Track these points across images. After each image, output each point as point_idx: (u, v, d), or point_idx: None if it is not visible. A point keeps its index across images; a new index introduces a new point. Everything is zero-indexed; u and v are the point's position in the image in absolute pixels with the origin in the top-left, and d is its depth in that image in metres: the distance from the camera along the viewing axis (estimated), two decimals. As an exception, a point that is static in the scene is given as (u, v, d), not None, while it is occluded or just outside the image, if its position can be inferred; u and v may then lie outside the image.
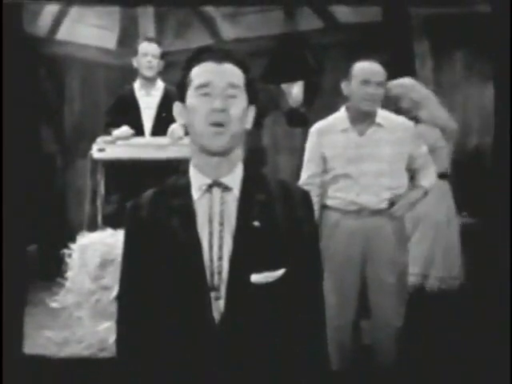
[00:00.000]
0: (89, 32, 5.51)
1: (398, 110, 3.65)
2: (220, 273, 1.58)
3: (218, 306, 1.58)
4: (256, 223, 1.60)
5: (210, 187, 1.63)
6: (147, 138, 4.21)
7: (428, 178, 3.35)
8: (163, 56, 4.27)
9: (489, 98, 3.81)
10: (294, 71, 5.48)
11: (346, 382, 3.19)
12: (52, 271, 4.04)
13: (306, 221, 1.67)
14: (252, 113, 1.67)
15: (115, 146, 4.10)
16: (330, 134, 3.28)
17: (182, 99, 1.64)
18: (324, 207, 3.32)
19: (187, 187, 1.64)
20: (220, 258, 1.59)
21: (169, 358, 1.61)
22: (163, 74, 4.28)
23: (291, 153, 5.35)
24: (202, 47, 1.68)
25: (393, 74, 3.58)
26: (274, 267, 1.59)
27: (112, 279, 3.71)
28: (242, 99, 1.61)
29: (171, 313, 1.60)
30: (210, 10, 5.53)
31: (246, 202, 1.62)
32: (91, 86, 5.53)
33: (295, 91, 5.53)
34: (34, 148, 4.93)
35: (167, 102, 4.03)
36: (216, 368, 1.57)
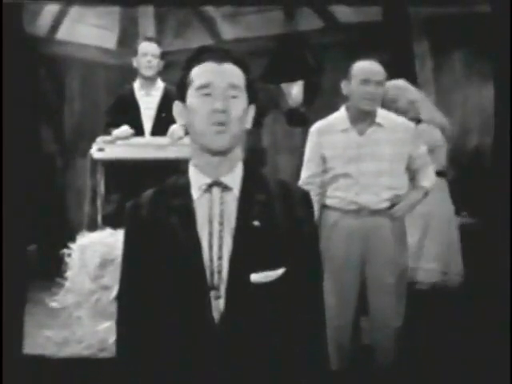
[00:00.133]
0: (89, 32, 5.52)
1: (396, 111, 3.64)
2: (220, 272, 1.58)
3: (218, 305, 1.58)
4: (256, 223, 1.60)
5: (209, 187, 1.63)
6: (147, 137, 4.21)
7: (428, 178, 3.35)
8: (163, 56, 4.26)
9: (489, 98, 3.80)
10: (294, 71, 5.48)
11: (345, 382, 3.19)
12: (52, 271, 4.03)
13: (306, 221, 1.67)
14: (252, 112, 1.67)
15: (115, 145, 4.10)
16: (329, 133, 3.28)
17: (182, 99, 1.64)
18: (323, 207, 3.32)
19: (187, 187, 1.64)
20: (220, 258, 1.59)
21: (169, 357, 1.61)
22: (163, 73, 4.28)
23: (291, 152, 5.35)
24: (202, 47, 1.67)
25: (393, 74, 3.58)
26: (273, 267, 1.59)
27: (112, 279, 3.71)
28: (242, 99, 1.61)
29: (171, 312, 1.60)
30: (209, 9, 5.54)
31: (246, 201, 1.62)
32: (91, 85, 5.54)
33: (295, 91, 5.53)
34: (34, 148, 4.93)
35: (167, 101, 4.02)
36: (216, 368, 1.57)
